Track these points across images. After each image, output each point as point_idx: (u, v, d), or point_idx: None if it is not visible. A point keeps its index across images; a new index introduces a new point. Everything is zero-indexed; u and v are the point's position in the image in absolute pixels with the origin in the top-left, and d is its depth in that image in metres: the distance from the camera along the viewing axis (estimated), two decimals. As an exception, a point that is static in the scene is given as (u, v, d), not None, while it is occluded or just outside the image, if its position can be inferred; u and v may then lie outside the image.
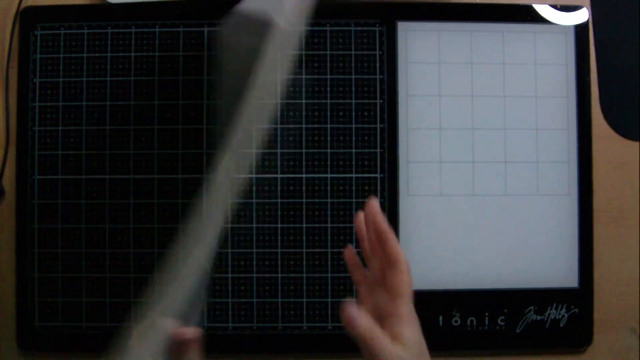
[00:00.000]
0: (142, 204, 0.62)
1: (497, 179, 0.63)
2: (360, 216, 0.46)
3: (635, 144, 0.64)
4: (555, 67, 0.64)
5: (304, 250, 0.62)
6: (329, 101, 0.62)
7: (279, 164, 0.62)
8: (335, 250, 0.62)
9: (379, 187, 0.62)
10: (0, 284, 0.62)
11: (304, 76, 0.63)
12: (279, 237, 0.62)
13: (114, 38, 0.63)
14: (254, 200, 0.62)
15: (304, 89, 0.62)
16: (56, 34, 0.62)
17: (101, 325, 0.61)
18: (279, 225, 0.62)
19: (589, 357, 0.63)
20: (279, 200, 0.62)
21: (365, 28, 0.63)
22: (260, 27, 0.40)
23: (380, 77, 0.63)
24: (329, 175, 0.62)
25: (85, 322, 0.61)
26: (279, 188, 0.62)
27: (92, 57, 0.62)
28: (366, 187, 0.62)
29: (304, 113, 0.62)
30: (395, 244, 0.42)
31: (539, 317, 0.62)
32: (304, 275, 0.61)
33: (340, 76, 0.63)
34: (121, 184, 0.62)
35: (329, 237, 0.62)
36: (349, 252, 0.48)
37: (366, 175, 0.62)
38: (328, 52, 0.63)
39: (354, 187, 0.62)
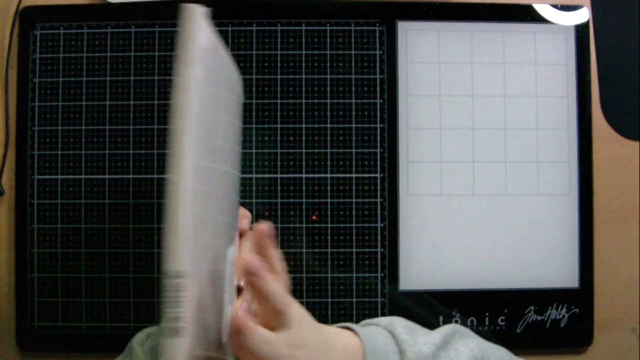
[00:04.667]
0: (141, 203, 0.61)
1: (497, 179, 0.63)
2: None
3: (635, 143, 0.64)
4: (555, 67, 0.64)
5: (304, 250, 0.61)
6: (329, 101, 0.62)
7: (279, 164, 0.62)
8: (335, 250, 0.61)
9: (379, 187, 0.62)
10: (-1, 284, 0.62)
11: (304, 76, 0.62)
12: (279, 237, 0.61)
13: (114, 38, 0.62)
14: (254, 200, 0.61)
15: (304, 89, 0.62)
16: (56, 33, 0.62)
17: (100, 325, 0.61)
18: (279, 225, 0.61)
19: (589, 357, 0.63)
20: (278, 200, 0.62)
21: (365, 28, 0.63)
22: None
23: (380, 76, 0.63)
24: (329, 175, 0.62)
25: (85, 322, 0.61)
26: (278, 188, 0.62)
27: (91, 57, 0.62)
28: (366, 187, 0.62)
29: (304, 113, 0.62)
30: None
31: (539, 317, 0.62)
32: (304, 275, 0.61)
33: (340, 76, 0.63)
34: (121, 184, 0.62)
35: (329, 237, 0.62)
36: None
37: (366, 175, 0.62)
38: (328, 51, 0.63)
39: (354, 187, 0.62)
